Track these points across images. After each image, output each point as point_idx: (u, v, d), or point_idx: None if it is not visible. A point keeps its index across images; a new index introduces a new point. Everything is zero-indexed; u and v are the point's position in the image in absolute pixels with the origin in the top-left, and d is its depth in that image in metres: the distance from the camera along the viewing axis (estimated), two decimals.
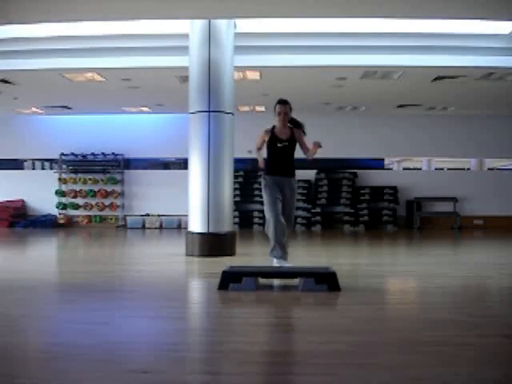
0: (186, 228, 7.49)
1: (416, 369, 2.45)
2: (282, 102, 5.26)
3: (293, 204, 5.35)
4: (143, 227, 12.44)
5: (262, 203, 12.88)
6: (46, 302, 4.11)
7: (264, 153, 5.42)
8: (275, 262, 5.20)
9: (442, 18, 6.83)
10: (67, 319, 3.48)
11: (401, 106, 11.76)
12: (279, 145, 5.22)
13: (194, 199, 6.98)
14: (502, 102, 11.09)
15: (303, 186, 12.38)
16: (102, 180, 12.79)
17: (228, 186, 7.01)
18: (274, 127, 5.31)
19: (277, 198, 5.20)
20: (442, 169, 19.57)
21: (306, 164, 12.16)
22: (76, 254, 7.94)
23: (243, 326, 3.42)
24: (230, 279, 4.33)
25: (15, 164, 13.46)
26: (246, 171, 12.43)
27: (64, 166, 12.86)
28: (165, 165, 13.25)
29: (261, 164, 5.38)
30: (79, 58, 8.26)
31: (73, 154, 12.80)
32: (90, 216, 12.83)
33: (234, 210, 7.78)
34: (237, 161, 7.26)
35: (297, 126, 5.37)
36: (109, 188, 12.83)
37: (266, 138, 5.28)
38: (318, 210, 12.34)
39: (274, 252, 5.19)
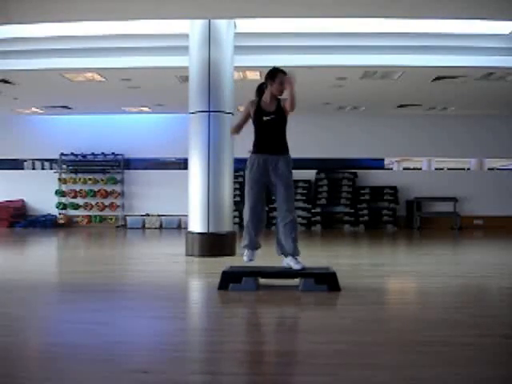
0: (186, 228, 7.49)
1: (416, 369, 2.45)
2: (285, 72, 4.48)
3: (290, 182, 4.51)
4: (143, 227, 12.43)
5: None
6: (46, 302, 4.11)
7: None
8: (245, 257, 4.61)
9: (442, 18, 6.83)
10: (67, 319, 3.48)
11: (401, 106, 11.76)
12: (265, 118, 4.48)
13: (194, 199, 6.98)
14: (502, 102, 11.08)
15: (303, 186, 12.38)
16: (102, 180, 12.78)
17: (228, 186, 7.01)
18: (259, 100, 4.58)
19: (262, 184, 4.52)
20: (442, 169, 19.58)
21: (305, 163, 12.28)
22: (76, 254, 7.94)
23: (243, 326, 3.42)
24: (229, 279, 4.33)
25: (15, 164, 13.46)
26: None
27: (64, 166, 12.85)
28: (165, 165, 13.24)
29: (234, 130, 4.69)
30: (79, 57, 8.25)
31: (73, 154, 12.79)
32: (89, 216, 12.82)
33: (234, 210, 7.77)
34: (237, 161, 7.25)
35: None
36: (109, 188, 12.82)
37: (252, 112, 4.53)
38: (318, 209, 12.34)
39: (244, 245, 4.60)
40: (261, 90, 4.65)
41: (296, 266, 4.38)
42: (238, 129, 4.67)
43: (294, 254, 4.45)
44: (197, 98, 6.93)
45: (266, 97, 4.56)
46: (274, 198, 4.63)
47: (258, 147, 4.56)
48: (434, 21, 7.11)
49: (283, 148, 4.56)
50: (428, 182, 12.83)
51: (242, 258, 4.69)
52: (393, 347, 2.81)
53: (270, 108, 4.53)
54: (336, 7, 6.14)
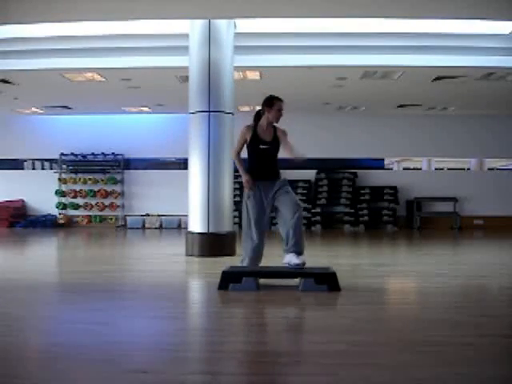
0: (186, 228, 7.49)
1: (416, 369, 2.45)
2: (281, 100, 4.65)
3: (291, 190, 4.63)
4: (143, 227, 12.43)
5: None
6: (46, 302, 4.11)
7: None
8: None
9: (442, 18, 6.83)
10: (67, 319, 3.48)
11: (401, 106, 11.76)
12: (262, 147, 4.59)
13: (194, 199, 6.98)
14: (501, 102, 11.08)
15: (303, 186, 12.38)
16: (102, 180, 12.78)
17: (228, 186, 7.01)
18: (256, 125, 4.66)
19: (264, 212, 4.60)
20: (442, 169, 19.58)
21: (305, 163, 12.27)
22: (76, 254, 7.94)
23: (243, 326, 3.42)
24: (230, 279, 4.33)
25: (15, 164, 13.46)
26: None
27: (64, 166, 12.85)
28: (165, 165, 13.23)
29: (246, 180, 4.59)
30: (79, 57, 8.26)
31: (73, 154, 12.79)
32: (90, 216, 12.82)
33: (234, 210, 7.78)
34: None
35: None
36: (109, 188, 12.82)
37: (248, 138, 4.62)
38: (318, 209, 12.34)
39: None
40: (258, 116, 4.71)
41: (296, 261, 4.38)
42: (238, 155, 4.74)
43: (298, 252, 4.45)
44: (197, 98, 6.93)
45: (263, 123, 4.65)
46: (278, 207, 4.63)
47: (254, 174, 4.63)
48: (434, 21, 7.10)
49: (277, 174, 4.68)
50: (428, 182, 12.83)
51: (241, 258, 4.70)
52: (393, 347, 2.81)
53: (266, 137, 4.64)
54: (336, 7, 6.15)
